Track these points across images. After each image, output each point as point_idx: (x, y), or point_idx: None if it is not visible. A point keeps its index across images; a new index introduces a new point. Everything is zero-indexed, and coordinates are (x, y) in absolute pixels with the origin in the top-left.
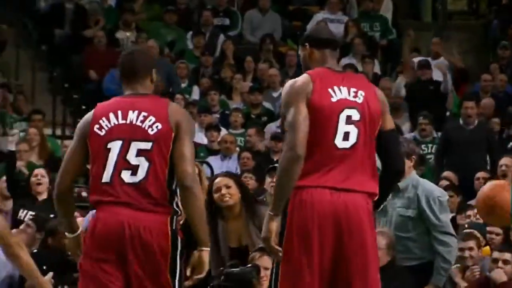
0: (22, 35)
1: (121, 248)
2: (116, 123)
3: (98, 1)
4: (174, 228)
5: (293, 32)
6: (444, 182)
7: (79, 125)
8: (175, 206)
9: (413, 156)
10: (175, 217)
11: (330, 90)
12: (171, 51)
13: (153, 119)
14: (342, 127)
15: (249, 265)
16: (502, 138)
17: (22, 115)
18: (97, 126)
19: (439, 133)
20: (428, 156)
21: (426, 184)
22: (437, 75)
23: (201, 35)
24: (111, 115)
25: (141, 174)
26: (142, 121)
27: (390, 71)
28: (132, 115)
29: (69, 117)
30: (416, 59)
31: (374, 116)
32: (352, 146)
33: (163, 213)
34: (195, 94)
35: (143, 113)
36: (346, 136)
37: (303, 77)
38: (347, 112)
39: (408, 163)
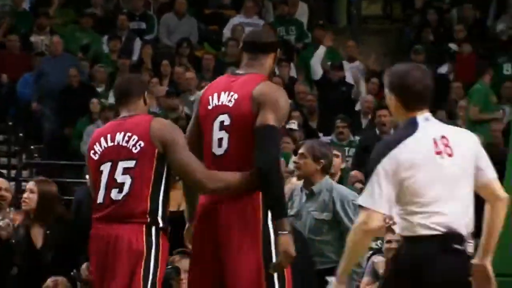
0: None
1: (103, 260)
2: (106, 146)
3: (11, 5)
4: (151, 235)
5: (210, 36)
6: (358, 185)
7: None
8: (159, 219)
9: (321, 160)
10: (153, 226)
11: (210, 98)
12: (85, 54)
13: (136, 138)
14: (216, 134)
15: (169, 266)
16: None
17: None
18: (92, 151)
19: (356, 137)
20: (346, 159)
21: (340, 188)
22: (350, 78)
23: (117, 39)
24: (102, 139)
25: (125, 190)
26: (127, 141)
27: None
28: (119, 137)
29: None
30: (329, 62)
31: (244, 118)
32: (225, 152)
33: (138, 223)
34: (112, 98)
35: (128, 134)
36: (219, 143)
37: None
38: (220, 118)
39: (315, 166)
